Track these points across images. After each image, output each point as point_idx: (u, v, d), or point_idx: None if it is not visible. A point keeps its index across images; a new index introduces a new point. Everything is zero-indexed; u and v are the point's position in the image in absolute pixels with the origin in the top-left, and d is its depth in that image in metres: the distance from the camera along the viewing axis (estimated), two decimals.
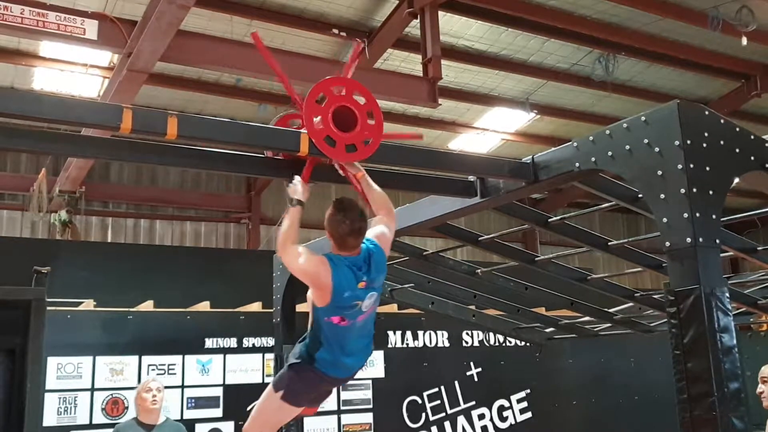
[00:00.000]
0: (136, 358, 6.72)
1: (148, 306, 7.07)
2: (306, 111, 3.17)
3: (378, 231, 3.35)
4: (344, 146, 3.21)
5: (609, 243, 4.62)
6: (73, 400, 6.39)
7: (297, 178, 3.33)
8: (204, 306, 7.27)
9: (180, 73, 9.65)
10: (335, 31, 9.16)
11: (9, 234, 10.70)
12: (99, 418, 6.46)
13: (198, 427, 6.86)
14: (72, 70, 9.15)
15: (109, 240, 11.42)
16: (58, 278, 6.63)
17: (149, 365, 6.72)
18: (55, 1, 7.04)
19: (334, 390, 3.99)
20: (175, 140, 3.05)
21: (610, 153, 3.26)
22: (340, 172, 3.43)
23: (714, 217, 2.85)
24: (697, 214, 2.79)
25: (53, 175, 10.24)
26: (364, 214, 3.20)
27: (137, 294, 7.22)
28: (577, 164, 3.45)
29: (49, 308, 6.10)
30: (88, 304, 6.94)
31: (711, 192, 2.87)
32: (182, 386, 6.83)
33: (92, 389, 6.49)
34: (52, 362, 6.41)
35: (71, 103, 3.23)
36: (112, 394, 6.61)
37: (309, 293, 3.26)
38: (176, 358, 6.85)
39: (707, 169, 2.90)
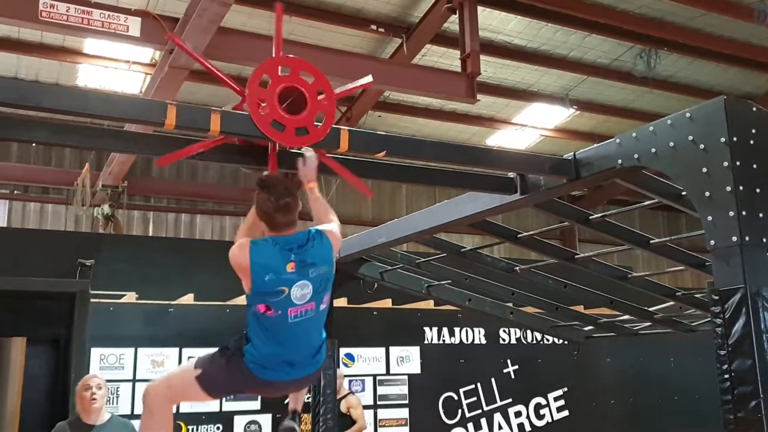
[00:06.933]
0: (176, 350, 6.84)
1: (188, 299, 7.18)
2: (250, 95, 2.97)
3: (328, 227, 3.13)
4: (294, 129, 3.01)
5: (650, 241, 4.55)
6: (115, 390, 6.53)
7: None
8: (243, 299, 7.34)
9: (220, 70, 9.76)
10: (373, 27, 9.17)
11: (54, 227, 10.93)
12: (140, 408, 6.58)
13: (236, 419, 6.96)
14: (115, 67, 9.33)
15: (150, 234, 11.60)
16: (101, 271, 6.78)
17: (189, 357, 6.83)
18: None
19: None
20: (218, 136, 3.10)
21: (653, 150, 3.21)
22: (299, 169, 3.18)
23: (761, 215, 2.79)
24: (744, 213, 2.74)
25: (96, 170, 10.43)
26: (291, 191, 2.98)
27: (178, 287, 7.34)
28: (619, 161, 3.41)
29: (92, 300, 6.25)
30: (130, 297, 7.08)
31: (758, 190, 2.81)
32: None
33: (134, 380, 6.63)
34: (95, 353, 6.56)
35: (117, 99, 3.30)
36: None
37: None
38: None
39: (754, 166, 2.84)
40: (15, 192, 10.97)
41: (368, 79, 3.49)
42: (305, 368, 3.06)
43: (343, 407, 6.93)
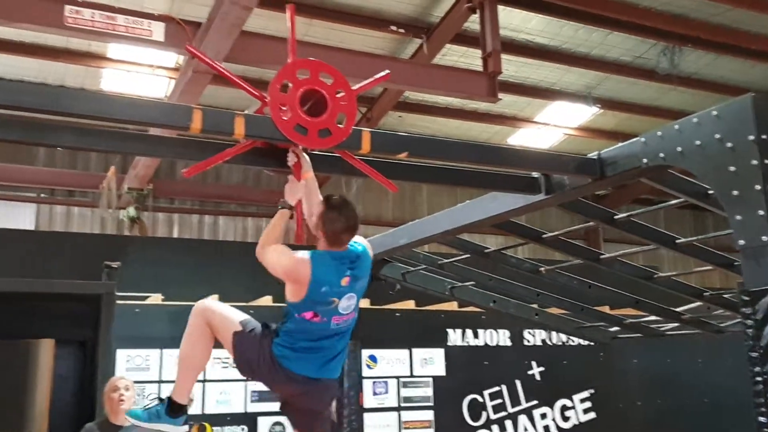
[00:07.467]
0: None
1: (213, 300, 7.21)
2: (272, 100, 3.01)
3: (365, 241, 3.31)
4: (317, 132, 3.04)
5: (676, 240, 4.50)
6: (141, 391, 6.57)
7: (291, 178, 3.26)
8: (266, 300, 7.38)
9: (242, 73, 9.78)
10: (393, 27, 9.18)
11: (80, 230, 11.08)
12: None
13: (260, 420, 6.98)
14: (139, 71, 9.43)
15: (175, 235, 11.71)
16: (127, 273, 6.83)
17: (214, 358, 6.84)
18: (124, 3, 7.25)
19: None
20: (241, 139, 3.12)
21: (679, 148, 3.17)
22: (290, 162, 3.25)
23: None
24: None
25: (122, 173, 10.55)
26: (356, 211, 3.16)
27: (203, 288, 7.35)
28: (644, 160, 3.37)
29: (118, 302, 6.30)
30: (155, 298, 7.13)
31: None
32: (246, 380, 6.95)
33: (160, 381, 6.66)
34: (122, 354, 6.60)
35: (144, 104, 3.32)
36: None
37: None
38: None
39: None
40: (42, 195, 11.13)
41: (384, 73, 3.51)
42: (328, 371, 3.19)
43: None
